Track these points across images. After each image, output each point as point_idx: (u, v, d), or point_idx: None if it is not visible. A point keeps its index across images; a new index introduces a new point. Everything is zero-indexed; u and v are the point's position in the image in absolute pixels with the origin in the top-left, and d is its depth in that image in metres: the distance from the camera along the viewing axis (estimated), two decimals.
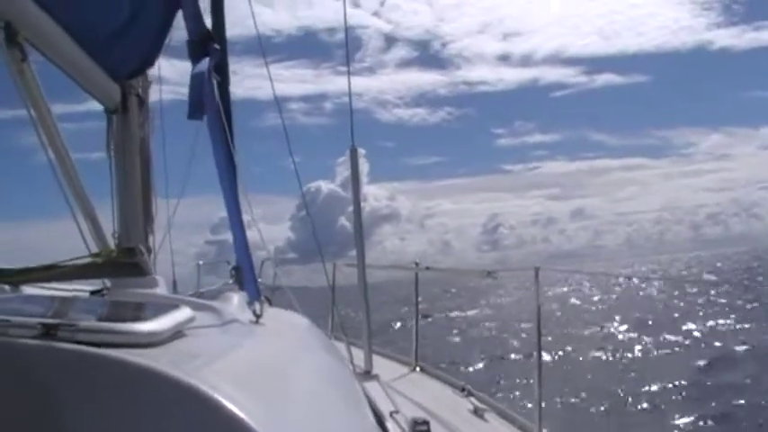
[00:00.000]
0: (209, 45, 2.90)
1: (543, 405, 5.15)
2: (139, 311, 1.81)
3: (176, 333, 1.50)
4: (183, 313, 1.62)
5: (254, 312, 2.28)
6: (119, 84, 3.43)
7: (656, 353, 20.12)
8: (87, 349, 1.18)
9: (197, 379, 1.17)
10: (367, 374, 6.05)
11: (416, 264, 7.36)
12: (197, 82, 2.46)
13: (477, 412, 5.54)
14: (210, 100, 2.45)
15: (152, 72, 3.79)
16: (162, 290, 2.75)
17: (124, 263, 2.40)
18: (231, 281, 3.96)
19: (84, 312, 1.71)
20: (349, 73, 6.44)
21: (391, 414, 4.29)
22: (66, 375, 1.15)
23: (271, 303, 3.59)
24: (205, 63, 2.57)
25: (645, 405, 13.35)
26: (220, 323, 2.01)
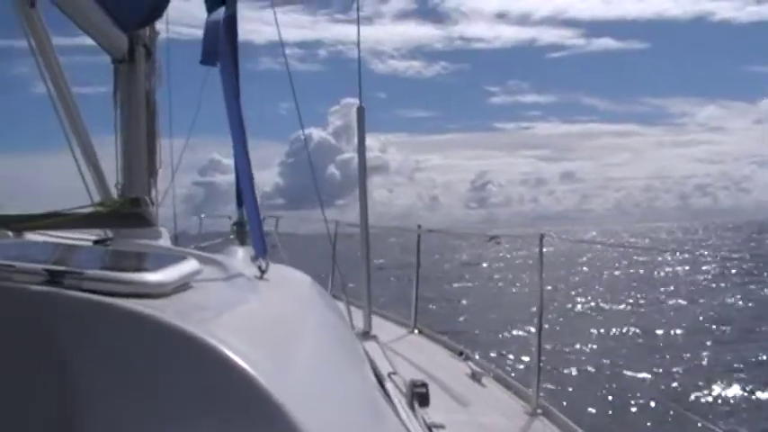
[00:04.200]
0: None
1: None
2: (146, 262, 1.80)
3: (183, 285, 1.48)
4: (190, 265, 1.61)
5: (260, 268, 2.27)
6: (126, 34, 3.39)
7: None
8: (95, 297, 1.16)
9: (204, 331, 1.15)
10: (366, 335, 6.06)
11: (419, 226, 7.38)
12: (212, 27, 2.44)
13: (474, 377, 5.57)
14: (224, 47, 2.43)
15: (160, 24, 3.74)
16: (165, 241, 2.73)
17: (129, 213, 2.38)
18: (232, 236, 3.94)
19: (90, 261, 1.69)
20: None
21: (389, 375, 4.30)
22: (72, 323, 1.13)
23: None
24: (221, 12, 2.54)
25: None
26: (226, 277, 2.00)
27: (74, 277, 1.20)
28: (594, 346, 16.21)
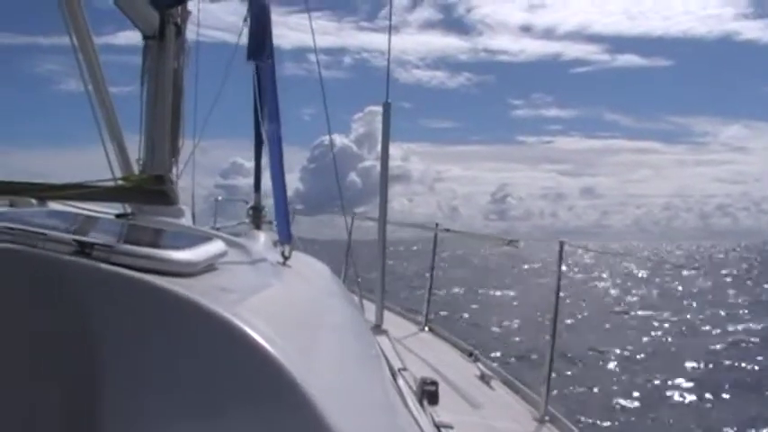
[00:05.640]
0: None
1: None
2: (174, 240, 1.81)
3: (209, 266, 1.50)
4: (217, 246, 1.62)
5: (283, 254, 2.28)
6: (158, 11, 3.39)
7: None
8: (125, 271, 1.17)
9: (233, 314, 1.16)
10: (377, 329, 6.04)
11: (436, 225, 7.36)
12: (260, 21, 2.42)
13: (483, 378, 5.54)
14: (270, 42, 2.42)
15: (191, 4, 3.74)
16: (187, 221, 2.73)
17: (152, 190, 2.36)
18: (247, 221, 3.94)
19: (118, 234, 1.70)
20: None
21: (399, 370, 4.28)
22: (100, 295, 1.14)
23: None
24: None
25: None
26: (250, 261, 2.02)
27: (103, 250, 1.21)
28: None
